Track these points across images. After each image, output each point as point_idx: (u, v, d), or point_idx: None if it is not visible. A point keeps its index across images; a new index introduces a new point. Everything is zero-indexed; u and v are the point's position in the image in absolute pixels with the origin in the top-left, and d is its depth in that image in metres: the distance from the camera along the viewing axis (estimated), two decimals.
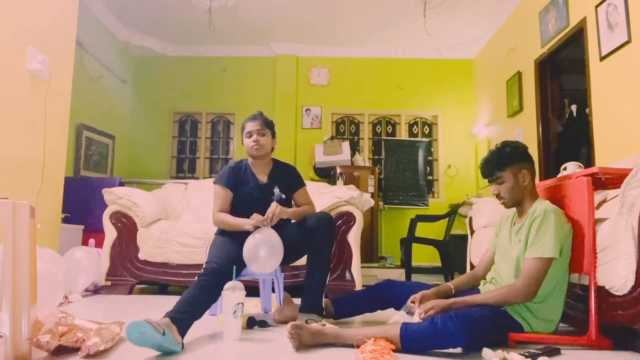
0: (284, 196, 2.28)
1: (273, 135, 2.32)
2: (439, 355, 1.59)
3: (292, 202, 2.36)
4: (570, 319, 1.99)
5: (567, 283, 1.81)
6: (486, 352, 1.54)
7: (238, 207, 2.22)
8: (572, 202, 1.86)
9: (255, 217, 2.04)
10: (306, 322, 1.99)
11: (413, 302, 1.89)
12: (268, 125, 2.29)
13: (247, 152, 2.30)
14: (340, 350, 1.65)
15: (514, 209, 1.96)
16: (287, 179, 2.33)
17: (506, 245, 1.93)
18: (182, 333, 1.64)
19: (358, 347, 1.60)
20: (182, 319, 1.67)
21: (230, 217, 2.17)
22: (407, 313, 1.89)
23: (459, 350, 1.61)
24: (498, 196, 1.89)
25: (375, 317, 2.24)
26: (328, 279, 2.96)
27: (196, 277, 1.90)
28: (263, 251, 1.96)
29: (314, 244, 2.12)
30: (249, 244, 1.99)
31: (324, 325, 1.81)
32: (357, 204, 3.05)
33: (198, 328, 1.78)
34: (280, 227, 2.22)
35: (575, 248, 1.80)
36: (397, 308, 2.10)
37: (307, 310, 2.05)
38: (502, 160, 1.85)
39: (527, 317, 1.74)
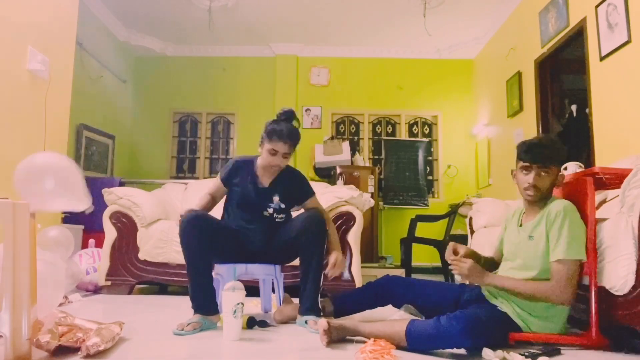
0: (282, 206, 2.21)
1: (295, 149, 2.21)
2: (439, 355, 1.59)
3: (296, 209, 2.31)
4: (570, 319, 1.99)
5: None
6: (486, 352, 1.54)
7: (232, 205, 2.21)
8: (573, 202, 1.85)
9: None
10: (306, 322, 2.01)
11: (455, 252, 1.88)
12: (296, 145, 2.15)
13: (263, 165, 2.16)
14: (340, 351, 1.66)
15: (521, 207, 1.93)
16: (291, 187, 2.23)
17: (515, 249, 1.86)
18: (209, 311, 1.96)
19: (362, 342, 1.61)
20: (199, 304, 1.96)
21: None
22: (409, 313, 1.90)
23: (462, 350, 1.60)
24: (534, 187, 1.74)
25: (375, 314, 2.24)
26: (328, 279, 2.97)
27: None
28: None
29: (304, 246, 2.09)
30: None
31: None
32: (357, 204, 3.05)
33: None
34: (278, 225, 2.23)
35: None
36: (396, 305, 2.10)
37: (305, 313, 2.06)
38: (559, 157, 1.79)
39: (529, 321, 1.73)
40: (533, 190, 1.76)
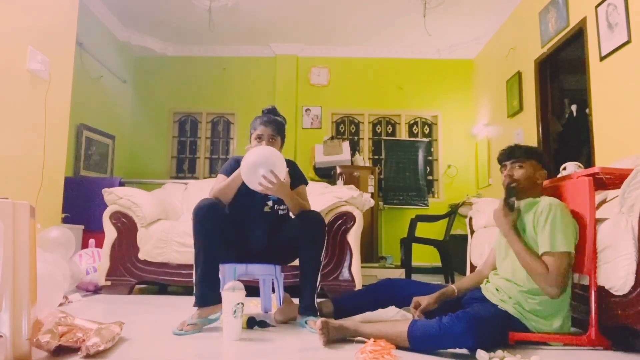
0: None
1: (282, 139, 2.26)
2: (441, 355, 1.59)
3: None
4: (570, 318, 1.99)
5: (571, 283, 1.80)
6: (480, 353, 1.53)
7: (234, 201, 2.21)
8: (573, 203, 1.86)
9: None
10: (306, 322, 2.01)
11: (415, 307, 1.94)
12: (280, 131, 2.22)
13: None
14: (340, 351, 1.66)
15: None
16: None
17: (505, 244, 1.92)
18: (211, 300, 1.96)
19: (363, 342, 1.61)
20: (204, 296, 1.96)
21: (226, 180, 2.12)
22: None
23: (464, 351, 1.60)
24: (510, 177, 1.93)
25: (376, 316, 2.24)
26: (328, 279, 2.97)
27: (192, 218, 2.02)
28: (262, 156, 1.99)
29: (302, 246, 2.10)
30: (247, 159, 1.99)
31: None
32: (357, 204, 3.05)
33: None
34: (281, 221, 2.23)
35: (576, 248, 1.80)
36: (399, 306, 2.10)
37: (304, 312, 2.08)
38: (530, 153, 1.95)
39: (531, 319, 1.73)
40: (509, 180, 1.93)
